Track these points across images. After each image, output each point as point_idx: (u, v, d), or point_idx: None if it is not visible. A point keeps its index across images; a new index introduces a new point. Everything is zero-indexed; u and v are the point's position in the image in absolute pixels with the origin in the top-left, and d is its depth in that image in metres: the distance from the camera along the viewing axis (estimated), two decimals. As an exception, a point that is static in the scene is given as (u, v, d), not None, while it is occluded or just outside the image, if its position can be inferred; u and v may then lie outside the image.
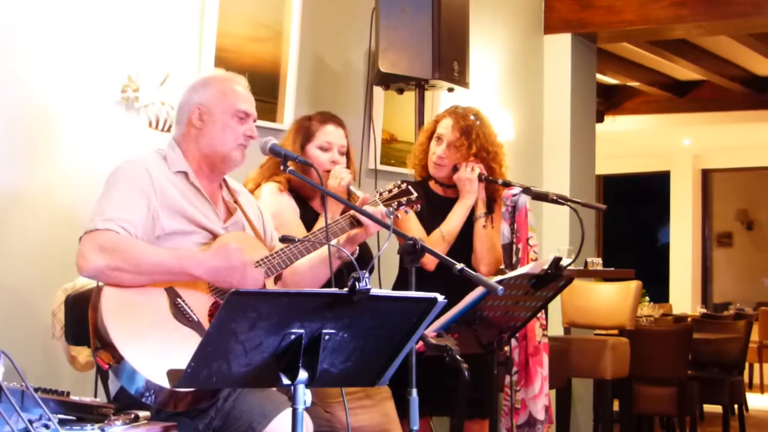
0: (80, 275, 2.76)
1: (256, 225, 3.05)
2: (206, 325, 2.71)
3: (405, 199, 3.26)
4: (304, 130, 3.59)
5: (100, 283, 2.68)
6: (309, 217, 3.52)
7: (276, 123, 4.31)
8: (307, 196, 3.60)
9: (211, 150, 2.92)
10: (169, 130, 3.65)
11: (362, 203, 3.16)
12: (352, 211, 3.07)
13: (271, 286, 2.92)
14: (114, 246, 2.66)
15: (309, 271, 3.09)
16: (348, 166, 3.60)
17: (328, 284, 2.96)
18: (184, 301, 2.72)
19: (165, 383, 2.51)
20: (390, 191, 3.26)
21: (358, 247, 3.16)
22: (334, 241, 3.03)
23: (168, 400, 2.59)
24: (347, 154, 3.64)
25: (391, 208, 3.21)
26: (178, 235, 2.80)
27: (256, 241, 2.97)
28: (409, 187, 3.30)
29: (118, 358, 2.58)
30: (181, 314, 2.70)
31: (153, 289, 2.70)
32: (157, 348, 2.60)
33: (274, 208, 3.41)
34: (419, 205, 3.33)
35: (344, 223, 3.09)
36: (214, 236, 2.86)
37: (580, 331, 6.40)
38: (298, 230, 3.39)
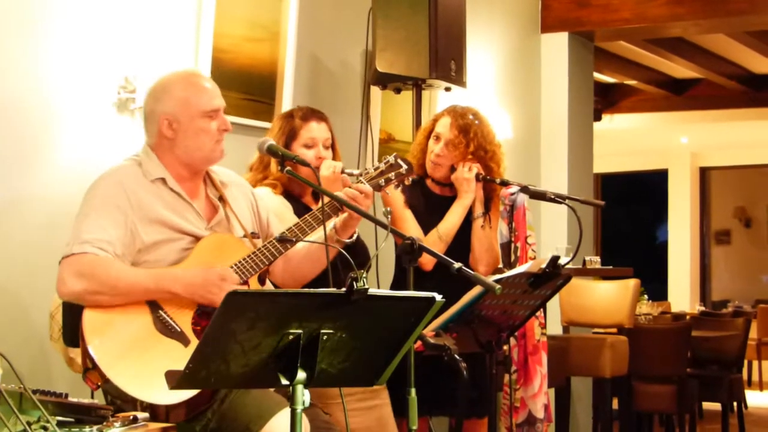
0: (60, 299, 2.76)
1: (246, 216, 3.01)
2: (190, 334, 2.70)
3: (394, 173, 3.15)
4: (288, 130, 3.54)
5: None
6: (301, 213, 3.50)
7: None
8: (297, 194, 3.57)
9: (189, 156, 2.87)
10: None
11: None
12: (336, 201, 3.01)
13: (254, 284, 2.89)
14: (91, 270, 2.65)
15: (307, 257, 3.07)
16: (334, 158, 3.58)
17: (325, 279, 2.95)
18: (166, 312, 2.71)
19: (152, 399, 2.54)
20: (377, 168, 3.15)
21: (356, 231, 3.10)
22: (328, 228, 2.99)
23: (161, 414, 2.59)
24: (333, 146, 3.60)
25: (387, 209, 3.17)
26: (160, 244, 2.78)
27: (237, 241, 2.91)
28: (399, 160, 3.19)
29: (105, 379, 2.58)
30: (164, 326, 2.69)
31: (134, 305, 2.68)
32: (142, 364, 2.59)
33: (272, 211, 3.39)
34: (411, 178, 3.22)
35: (327, 209, 2.99)
36: (198, 240, 2.83)
37: (579, 329, 6.40)
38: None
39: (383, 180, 3.15)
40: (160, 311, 2.70)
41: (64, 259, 2.69)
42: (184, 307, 2.74)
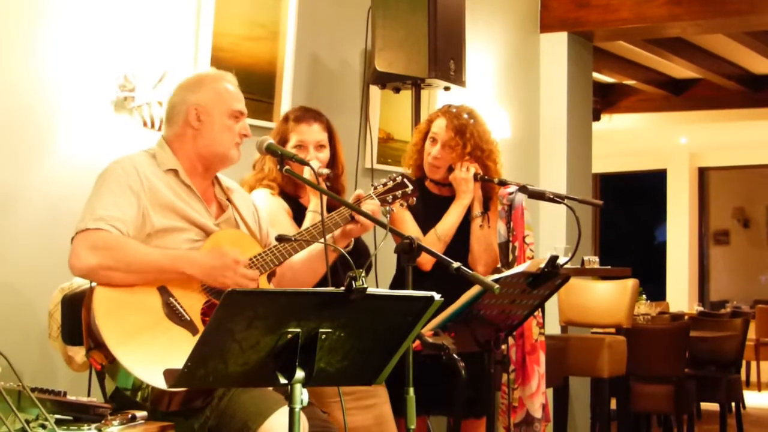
0: (72, 274, 2.77)
1: (250, 222, 3.05)
2: (199, 324, 2.71)
3: (400, 192, 3.24)
4: (281, 133, 3.57)
5: (93, 284, 2.68)
6: (298, 214, 3.52)
7: (272, 122, 4.30)
8: (292, 195, 3.59)
9: (210, 150, 2.92)
10: (165, 129, 3.65)
11: (356, 199, 3.16)
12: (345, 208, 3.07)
13: (264, 283, 2.92)
14: (106, 245, 2.66)
15: (308, 264, 3.10)
16: (333, 156, 3.58)
17: (324, 280, 2.96)
18: (176, 300, 2.72)
19: (157, 383, 2.53)
20: (385, 185, 3.25)
21: (352, 240, 3.17)
22: (329, 237, 3.04)
23: (161, 398, 2.59)
24: (332, 144, 3.60)
25: (387, 207, 3.21)
26: (169, 232, 2.80)
27: (250, 239, 2.97)
28: (405, 179, 3.28)
29: (111, 359, 2.58)
30: (173, 314, 2.70)
31: (145, 288, 2.69)
32: (149, 348, 2.59)
33: (267, 212, 3.41)
34: (415, 198, 3.32)
35: (338, 219, 3.09)
36: (206, 233, 2.86)
37: (577, 329, 6.40)
38: (292, 231, 3.39)
39: (391, 197, 3.24)
40: (171, 298, 2.71)
41: (78, 234, 2.70)
42: (194, 297, 2.75)
